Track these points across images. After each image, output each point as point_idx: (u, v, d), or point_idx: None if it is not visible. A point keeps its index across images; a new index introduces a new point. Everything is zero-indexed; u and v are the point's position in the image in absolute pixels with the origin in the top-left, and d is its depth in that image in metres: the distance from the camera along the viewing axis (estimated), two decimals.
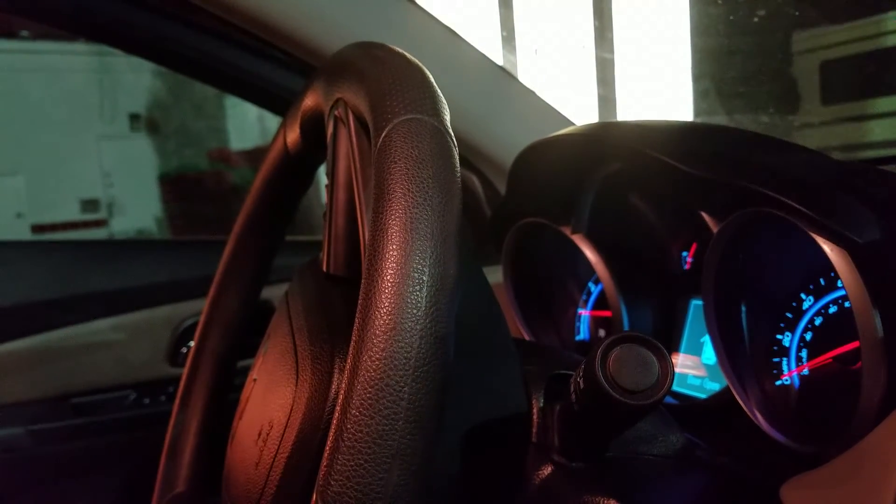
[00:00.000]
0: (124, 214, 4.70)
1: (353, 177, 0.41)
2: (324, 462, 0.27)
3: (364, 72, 0.37)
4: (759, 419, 0.48)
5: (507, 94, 0.97)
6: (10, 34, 4.62)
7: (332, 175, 0.45)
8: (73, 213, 4.69)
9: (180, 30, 0.72)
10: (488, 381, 0.39)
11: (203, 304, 1.06)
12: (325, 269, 0.44)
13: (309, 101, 0.48)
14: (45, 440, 1.02)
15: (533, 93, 0.98)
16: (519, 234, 0.72)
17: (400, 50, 0.38)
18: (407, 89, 0.34)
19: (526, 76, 0.99)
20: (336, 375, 0.37)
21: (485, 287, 0.44)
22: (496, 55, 0.95)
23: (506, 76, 0.96)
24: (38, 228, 4.67)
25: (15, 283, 1.06)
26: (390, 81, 0.34)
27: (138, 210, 4.62)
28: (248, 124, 4.32)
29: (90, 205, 4.78)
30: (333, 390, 0.37)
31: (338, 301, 0.43)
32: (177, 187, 4.26)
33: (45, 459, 1.03)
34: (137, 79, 4.60)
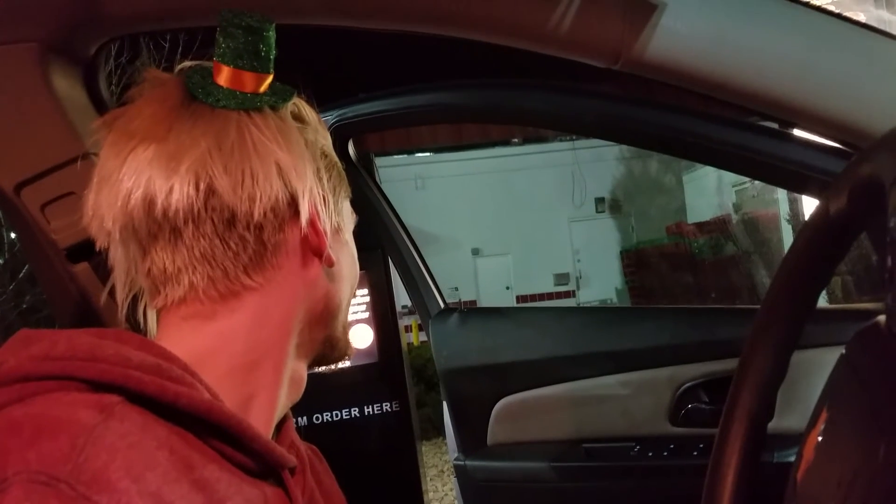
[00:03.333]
0: (589, 286, 5.22)
1: None
2: None
3: None
4: None
5: None
6: (505, 142, 5.72)
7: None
8: (547, 286, 5.44)
9: (708, 126, 0.82)
10: None
11: (703, 369, 1.12)
12: (890, 330, 0.45)
13: (862, 171, 0.50)
14: (563, 476, 1.20)
15: None
16: None
17: None
18: None
19: None
20: None
21: None
22: None
23: None
24: (520, 298, 5.57)
25: (540, 341, 1.30)
26: None
27: (601, 282, 5.09)
28: (706, 199, 4.35)
29: (562, 278, 5.46)
30: None
31: None
32: (636, 260, 4.54)
33: (562, 492, 1.21)
34: (602, 167, 5.14)
